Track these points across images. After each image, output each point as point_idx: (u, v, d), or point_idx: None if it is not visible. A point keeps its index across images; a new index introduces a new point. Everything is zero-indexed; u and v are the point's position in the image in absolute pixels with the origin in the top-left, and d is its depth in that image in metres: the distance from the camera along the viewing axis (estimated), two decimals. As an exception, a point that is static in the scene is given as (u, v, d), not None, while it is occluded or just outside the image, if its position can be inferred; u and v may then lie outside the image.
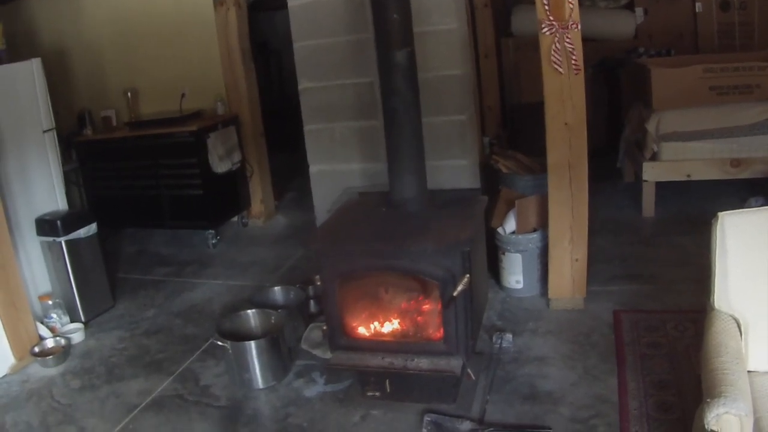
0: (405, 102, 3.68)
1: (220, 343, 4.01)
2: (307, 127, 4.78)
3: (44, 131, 5.26)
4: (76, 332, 4.95)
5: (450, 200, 4.10)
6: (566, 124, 4.06)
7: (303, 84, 4.71)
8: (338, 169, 4.77)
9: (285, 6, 4.69)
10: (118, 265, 6.40)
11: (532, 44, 4.33)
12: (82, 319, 5.19)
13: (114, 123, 7.37)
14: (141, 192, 6.85)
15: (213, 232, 6.84)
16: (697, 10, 7.37)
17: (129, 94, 7.33)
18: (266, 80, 7.36)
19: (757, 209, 2.69)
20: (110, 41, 7.44)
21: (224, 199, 6.95)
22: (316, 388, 3.96)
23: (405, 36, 3.63)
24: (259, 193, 7.34)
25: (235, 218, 7.28)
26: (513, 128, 7.66)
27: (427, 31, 4.25)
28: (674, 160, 5.69)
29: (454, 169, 4.49)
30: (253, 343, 3.97)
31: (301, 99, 4.74)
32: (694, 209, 5.92)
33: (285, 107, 7.11)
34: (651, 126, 5.67)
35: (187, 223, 6.85)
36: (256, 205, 7.37)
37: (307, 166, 4.91)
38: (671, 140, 5.63)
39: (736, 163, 5.54)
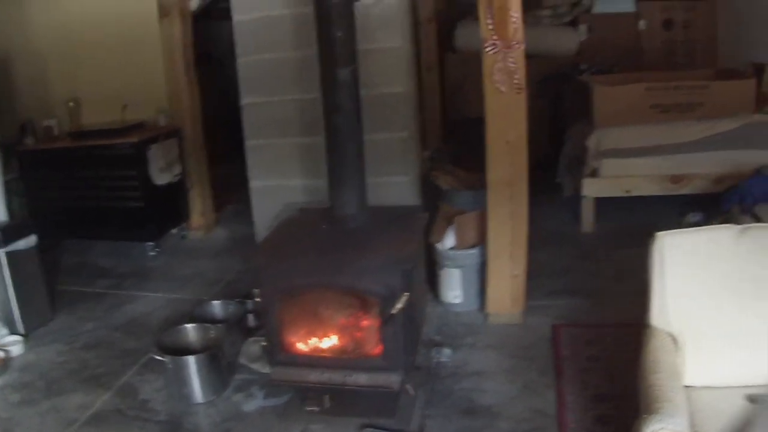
0: (347, 119, 3.69)
1: (159, 358, 4.01)
2: (249, 142, 4.79)
3: (-14, 140, 5.21)
4: (15, 345, 4.88)
5: (391, 217, 4.11)
6: (507, 142, 4.10)
7: (246, 99, 4.72)
8: (280, 184, 4.79)
9: (229, 16, 4.70)
10: (58, 277, 6.29)
11: (475, 59, 4.37)
12: (22, 331, 5.11)
13: (56, 133, 7.26)
14: (81, 203, 6.77)
15: (153, 244, 6.80)
16: (640, 28, 7.46)
17: (71, 103, 7.26)
18: (209, 90, 7.32)
19: (694, 230, 2.75)
20: (54, 50, 7.34)
21: (164, 211, 6.92)
22: (255, 403, 3.96)
23: (349, 54, 3.64)
24: (198, 205, 7.28)
25: (175, 230, 7.22)
26: (454, 142, 7.70)
27: (372, 48, 4.27)
28: (614, 176, 5.72)
29: (395, 185, 4.52)
30: (192, 358, 3.96)
31: (244, 114, 4.75)
32: (634, 224, 5.93)
33: (227, 118, 7.07)
34: (592, 142, 5.72)
35: (127, 234, 6.79)
36: (196, 218, 7.32)
37: (248, 179, 4.92)
38: (612, 156, 5.68)
39: (676, 179, 5.61)
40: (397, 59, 4.35)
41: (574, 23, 7.77)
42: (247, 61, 4.63)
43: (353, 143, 3.74)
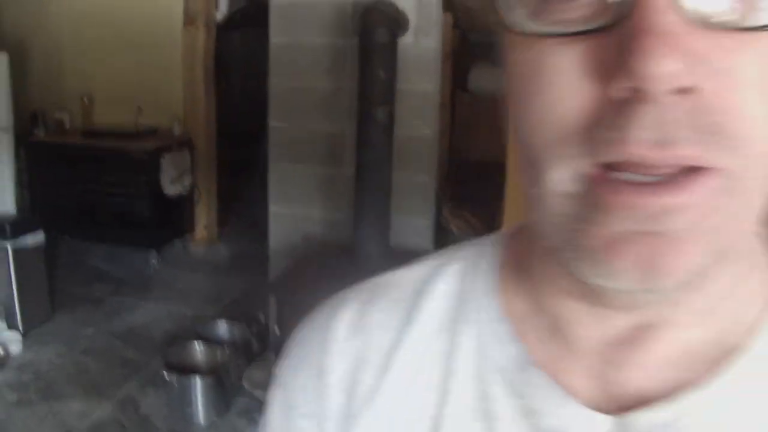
0: (379, 158, 3.70)
1: (166, 376, 4.00)
2: (273, 165, 4.79)
3: (1, 129, 5.19)
4: (14, 342, 4.87)
5: (409, 257, 4.11)
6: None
7: (273, 122, 4.72)
8: (298, 212, 4.78)
9: (250, 24, 4.70)
10: (57, 276, 6.27)
11: (487, 102, 4.30)
12: (21, 329, 5.09)
13: (67, 127, 7.27)
14: (87, 203, 6.74)
15: (155, 252, 6.78)
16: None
17: (85, 99, 7.25)
18: (222, 99, 7.32)
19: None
20: (71, 42, 7.34)
21: (170, 221, 6.91)
22: (256, 428, 3.95)
23: (388, 94, 3.65)
24: (203, 219, 7.29)
25: (177, 241, 7.22)
26: (458, 183, 7.66)
27: (405, 89, 4.27)
28: None
29: (412, 227, 4.51)
30: (198, 380, 3.97)
31: (270, 137, 4.75)
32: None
33: (240, 132, 7.07)
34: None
35: (130, 240, 6.76)
36: (200, 231, 7.32)
37: (255, 196, 4.92)
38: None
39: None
40: (429, 102, 4.34)
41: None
42: (278, 84, 4.62)
43: (383, 183, 3.75)
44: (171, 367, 4.09)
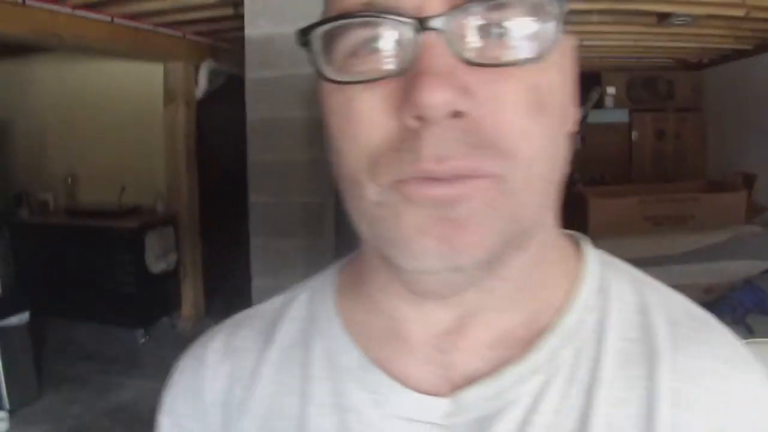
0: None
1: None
2: (254, 240, 4.81)
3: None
4: (1, 421, 4.86)
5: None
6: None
7: (253, 198, 4.75)
8: (281, 285, 4.77)
9: (231, 99, 4.75)
10: (44, 355, 6.26)
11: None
12: (8, 407, 5.08)
13: (51, 207, 7.31)
14: (72, 282, 6.77)
15: (142, 331, 6.79)
16: (633, 139, 7.56)
17: (69, 179, 7.30)
18: (207, 174, 7.37)
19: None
20: (55, 123, 7.43)
21: (156, 298, 6.90)
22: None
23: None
24: (190, 295, 7.30)
25: (165, 318, 7.20)
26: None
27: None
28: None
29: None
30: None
31: (250, 213, 4.78)
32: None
33: (223, 206, 7.12)
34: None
35: (117, 319, 6.78)
36: (187, 308, 7.33)
37: (240, 270, 4.93)
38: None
39: (665, 290, 5.67)
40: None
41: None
42: (257, 160, 4.65)
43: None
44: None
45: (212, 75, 6.88)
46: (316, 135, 4.46)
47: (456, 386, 0.82)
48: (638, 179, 7.26)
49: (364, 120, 0.69)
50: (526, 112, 0.69)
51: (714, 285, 5.48)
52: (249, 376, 0.94)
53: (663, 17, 5.08)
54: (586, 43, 6.18)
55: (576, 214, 6.16)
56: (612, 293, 0.87)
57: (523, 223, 0.73)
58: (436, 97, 0.63)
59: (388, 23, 0.68)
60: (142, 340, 6.76)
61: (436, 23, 0.65)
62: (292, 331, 0.95)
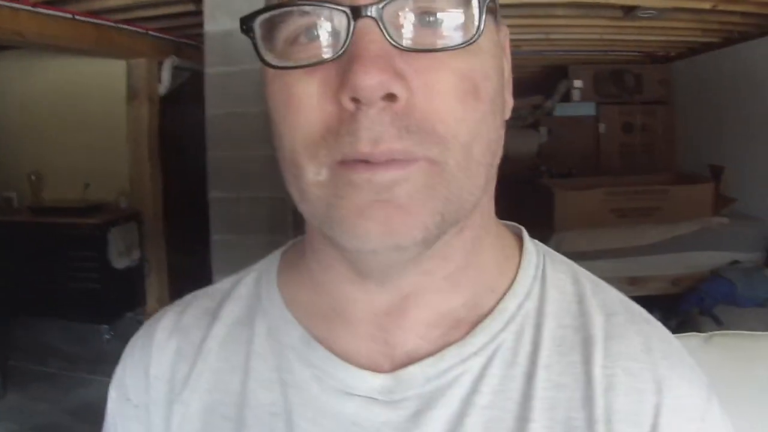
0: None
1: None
2: (215, 237, 4.78)
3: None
4: (-34, 421, 4.84)
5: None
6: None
7: (213, 193, 4.72)
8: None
9: (196, 100, 4.73)
10: (9, 353, 6.22)
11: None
12: (-28, 407, 5.05)
13: (15, 205, 7.24)
14: (37, 280, 6.69)
15: (108, 327, 6.72)
16: (600, 131, 7.55)
17: (33, 177, 7.22)
18: (175, 174, 7.34)
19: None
20: (18, 120, 7.31)
21: (121, 295, 6.84)
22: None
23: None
24: (155, 291, 7.20)
25: (131, 314, 7.11)
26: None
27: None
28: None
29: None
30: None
31: (210, 209, 4.74)
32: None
33: (188, 199, 7.08)
34: (551, 245, 5.73)
35: (82, 316, 6.70)
36: (152, 304, 7.20)
37: (205, 266, 4.91)
38: (571, 259, 5.69)
39: (633, 281, 5.63)
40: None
41: (535, 126, 7.86)
42: (215, 155, 4.63)
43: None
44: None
45: (175, 71, 6.83)
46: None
47: (397, 364, 0.86)
48: (606, 172, 7.24)
49: (303, 104, 0.73)
50: (459, 99, 0.73)
51: (682, 276, 5.50)
52: (194, 352, 0.98)
53: (629, 11, 5.07)
54: (552, 36, 6.17)
55: (542, 206, 6.15)
56: (549, 282, 0.93)
57: (460, 204, 0.76)
58: (370, 79, 0.66)
59: (326, 12, 0.72)
60: (107, 337, 6.70)
61: (370, 11, 0.69)
62: (236, 310, 1.00)
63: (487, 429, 0.82)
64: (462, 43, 0.72)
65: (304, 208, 0.80)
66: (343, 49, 0.70)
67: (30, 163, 7.29)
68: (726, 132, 6.34)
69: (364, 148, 0.69)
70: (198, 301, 1.06)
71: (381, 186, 0.71)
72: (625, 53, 7.39)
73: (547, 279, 0.93)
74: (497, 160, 0.83)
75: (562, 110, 7.64)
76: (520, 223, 1.01)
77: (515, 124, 7.93)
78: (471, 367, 0.85)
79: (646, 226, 5.71)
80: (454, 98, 0.73)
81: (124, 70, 6.84)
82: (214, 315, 1.01)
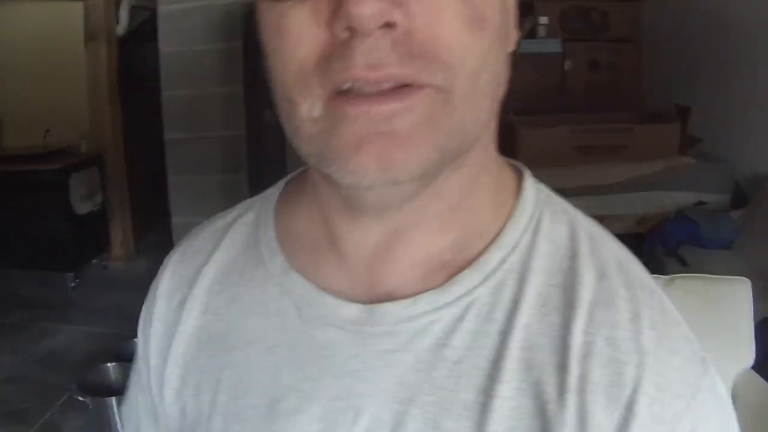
0: (271, 161, 3.69)
1: (80, 398, 3.97)
2: (171, 178, 4.76)
3: None
4: (-70, 374, 4.81)
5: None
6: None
7: (169, 134, 4.69)
8: (200, 222, 4.75)
9: (154, 39, 4.69)
10: (-26, 306, 6.20)
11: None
12: (-63, 358, 5.02)
13: (-25, 155, 7.16)
14: (0, 228, 6.65)
15: (72, 275, 6.67)
16: (566, 68, 7.52)
17: (-8, 125, 7.15)
18: (134, 115, 7.30)
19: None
20: (-23, 68, 7.23)
21: (85, 241, 6.80)
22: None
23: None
24: (119, 235, 7.20)
25: (95, 260, 7.11)
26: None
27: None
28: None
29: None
30: (113, 400, 3.93)
31: (166, 149, 4.72)
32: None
33: (150, 141, 7.04)
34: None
35: (46, 264, 6.65)
36: (117, 248, 7.24)
37: (168, 207, 4.91)
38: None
39: (598, 219, 5.63)
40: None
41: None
42: (171, 95, 4.59)
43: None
44: (87, 390, 4.06)
45: (134, 11, 6.78)
46: (229, 67, 4.40)
47: (374, 301, 0.86)
48: (571, 110, 7.22)
49: (293, 33, 0.71)
50: (464, 25, 0.70)
51: (647, 216, 5.50)
52: (193, 274, 1.04)
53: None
54: (516, -29, 6.11)
55: (506, 144, 6.10)
56: (543, 234, 0.89)
57: (463, 138, 0.75)
58: (367, 8, 0.63)
59: None
60: (73, 284, 6.65)
61: None
62: (240, 236, 1.04)
63: (456, 384, 0.81)
64: None
65: (298, 145, 0.77)
66: None
67: (-11, 111, 7.21)
68: (696, 72, 6.34)
69: (359, 72, 0.67)
70: (205, 231, 1.11)
71: (380, 117, 0.69)
72: (593, -10, 7.37)
73: (540, 231, 0.89)
74: (501, 94, 0.81)
75: (526, 47, 7.57)
76: None
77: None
78: (443, 317, 0.83)
79: (611, 164, 5.70)
80: (459, 24, 0.70)
81: (82, 11, 6.75)
82: (217, 242, 1.05)
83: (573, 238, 0.89)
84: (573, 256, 0.86)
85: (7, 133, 7.23)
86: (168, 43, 4.58)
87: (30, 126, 6.90)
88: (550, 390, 0.78)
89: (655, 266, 4.58)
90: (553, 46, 7.54)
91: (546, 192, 0.95)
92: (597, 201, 5.63)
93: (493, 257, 0.85)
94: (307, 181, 0.95)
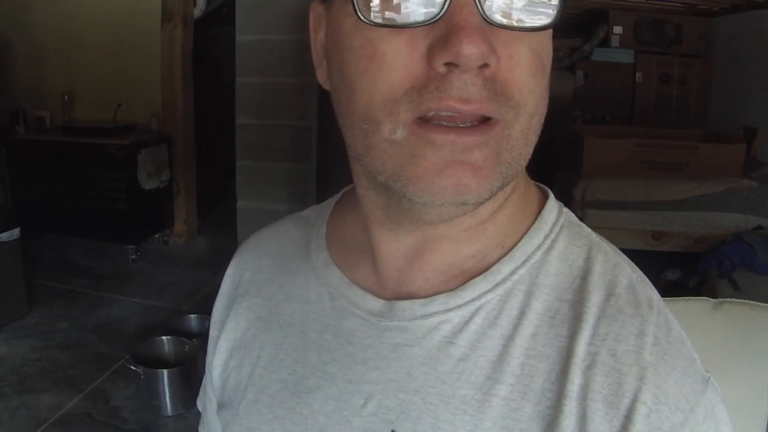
0: (341, 153, 3.72)
1: (133, 368, 4.05)
2: (240, 163, 4.80)
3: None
4: (-12, 334, 4.91)
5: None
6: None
7: (240, 119, 4.74)
8: (265, 208, 4.80)
9: (230, 22, 4.73)
10: (37, 271, 6.25)
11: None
12: (-3, 322, 5.11)
13: (48, 125, 7.28)
14: (66, 199, 6.78)
15: (134, 247, 6.79)
16: (637, 80, 7.45)
17: (66, 96, 7.26)
18: (206, 93, 7.35)
19: (668, 300, 2.75)
20: (54, 41, 7.36)
21: (148, 216, 6.93)
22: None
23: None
24: (183, 213, 7.32)
25: (157, 236, 7.24)
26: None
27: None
28: (597, 226, 5.55)
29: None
30: (165, 372, 4.04)
31: (237, 134, 4.76)
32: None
33: (220, 123, 7.09)
34: (578, 192, 5.69)
35: (109, 235, 6.80)
36: (179, 225, 7.36)
37: (233, 190, 4.95)
38: (596, 207, 5.65)
39: (657, 235, 5.59)
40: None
41: (572, 68, 7.77)
42: (245, 81, 4.63)
43: (345, 177, 3.77)
44: (139, 361, 4.14)
45: (212, -5, 6.83)
46: (303, 58, 4.43)
47: (398, 299, 0.95)
48: (640, 122, 7.15)
49: (389, 61, 0.76)
50: (533, 72, 0.79)
51: (705, 236, 5.44)
52: (253, 262, 1.19)
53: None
54: (594, -21, 6.09)
55: (572, 151, 6.09)
56: (556, 253, 0.95)
57: (517, 170, 0.82)
58: (473, 49, 0.71)
59: None
60: (133, 257, 6.77)
61: None
62: (297, 234, 1.16)
63: (458, 380, 0.88)
64: (544, 26, 0.78)
65: (368, 162, 0.82)
66: (440, 15, 0.73)
67: (63, 83, 7.34)
68: (762, 93, 6.26)
69: (453, 103, 0.73)
70: (283, 220, 1.24)
71: (463, 147, 0.75)
72: (667, 3, 7.29)
73: (554, 250, 0.95)
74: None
75: (599, 55, 7.53)
76: (548, 167, 1.05)
77: (553, 65, 7.83)
78: (452, 318, 0.91)
79: (673, 180, 5.64)
80: (529, 71, 0.78)
81: (160, -8, 6.83)
82: (276, 235, 1.20)
83: (588, 260, 0.94)
84: (585, 276, 0.92)
85: (79, 105, 7.37)
86: (245, 32, 4.62)
87: (102, 100, 7.01)
88: (550, 396, 0.84)
89: (708, 287, 4.56)
90: (626, 56, 7.47)
91: (571, 217, 1.01)
92: (657, 216, 5.60)
93: (505, 268, 0.92)
94: (355, 194, 1.01)
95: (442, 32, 0.73)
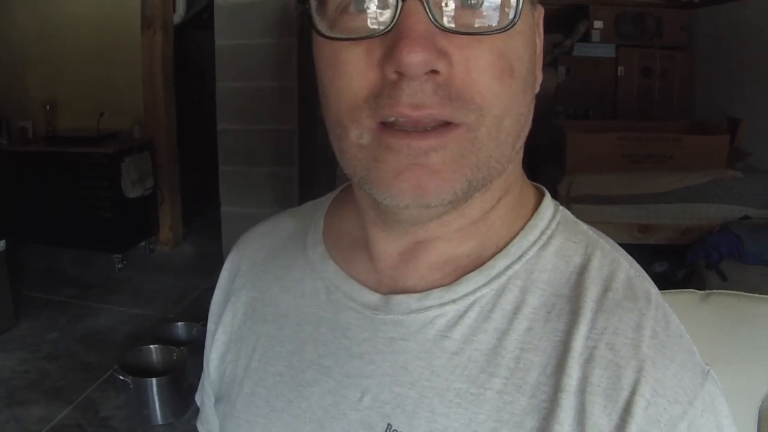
0: (323, 156, 3.73)
1: (122, 377, 4.05)
2: (222, 168, 4.80)
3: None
4: (-25, 348, 4.89)
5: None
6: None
7: (222, 125, 4.73)
8: (249, 212, 4.81)
9: (212, 27, 4.73)
10: (23, 282, 6.23)
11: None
12: (-17, 334, 5.10)
13: (30, 135, 7.20)
14: (51, 209, 6.75)
15: (120, 256, 6.76)
16: (619, 74, 7.46)
17: (48, 106, 7.21)
18: (186, 99, 7.34)
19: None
20: (34, 51, 7.30)
21: (133, 223, 6.89)
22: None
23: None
24: (168, 220, 7.28)
25: (143, 243, 7.20)
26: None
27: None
28: (583, 221, 5.64)
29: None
30: (154, 381, 4.02)
31: (219, 139, 4.76)
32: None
33: (203, 127, 7.09)
34: (562, 188, 5.69)
35: (95, 244, 6.76)
36: (164, 232, 7.32)
37: (218, 195, 4.95)
38: (581, 202, 5.66)
39: (643, 228, 5.59)
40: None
41: (553, 64, 7.78)
42: (225, 86, 4.63)
43: (328, 179, 3.78)
44: (128, 370, 4.14)
45: (191, 0, 6.81)
46: (283, 63, 4.43)
47: (392, 292, 0.97)
48: (623, 116, 7.16)
49: (349, 69, 0.80)
50: (496, 76, 0.80)
51: (691, 227, 5.45)
52: (250, 257, 1.21)
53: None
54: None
55: (555, 147, 6.09)
56: (552, 249, 0.96)
57: (488, 172, 0.84)
58: (415, 57, 0.74)
59: None
60: (120, 266, 6.75)
61: None
62: (292, 229, 1.18)
63: (452, 373, 0.89)
64: (500, 29, 0.79)
65: (344, 165, 0.87)
66: (391, 26, 0.76)
67: (45, 93, 7.28)
68: (745, 84, 6.27)
69: (404, 110, 0.76)
70: (280, 215, 1.27)
71: (418, 151, 0.78)
72: (647, -4, 7.31)
73: (550, 246, 0.96)
74: (525, 132, 0.91)
75: (581, 50, 7.54)
76: (531, 163, 1.05)
77: (533, 63, 7.84)
78: (447, 312, 0.92)
79: (658, 173, 5.65)
80: (491, 75, 0.80)
81: (139, -2, 6.81)
82: (273, 230, 1.22)
83: (585, 256, 0.95)
84: (582, 271, 0.93)
85: (61, 115, 7.32)
86: (224, 36, 4.62)
87: (84, 109, 6.98)
88: (545, 389, 0.85)
89: (695, 279, 4.57)
90: (607, 50, 7.49)
91: (567, 215, 1.03)
92: (642, 210, 5.60)
93: (500, 263, 0.93)
94: (350, 192, 1.06)
95: (391, 41, 0.76)
